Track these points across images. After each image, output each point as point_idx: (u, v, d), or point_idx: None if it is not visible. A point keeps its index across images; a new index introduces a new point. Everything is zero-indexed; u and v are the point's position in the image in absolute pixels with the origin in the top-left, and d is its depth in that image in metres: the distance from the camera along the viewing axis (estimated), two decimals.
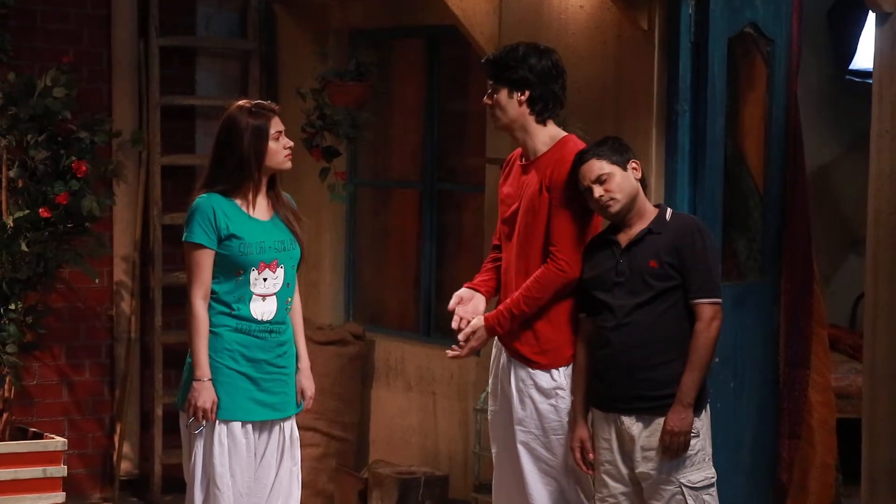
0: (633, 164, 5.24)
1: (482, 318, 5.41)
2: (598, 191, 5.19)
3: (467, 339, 5.41)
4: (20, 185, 7.22)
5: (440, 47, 7.97)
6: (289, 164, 5.28)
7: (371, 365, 8.10)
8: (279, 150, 5.24)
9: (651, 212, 5.26)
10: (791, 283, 6.60)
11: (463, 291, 5.56)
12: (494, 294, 5.58)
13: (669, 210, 5.29)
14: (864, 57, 8.30)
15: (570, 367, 5.36)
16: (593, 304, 5.27)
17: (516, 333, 5.40)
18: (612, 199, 5.19)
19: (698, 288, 5.14)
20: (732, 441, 6.33)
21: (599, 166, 5.19)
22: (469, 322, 5.44)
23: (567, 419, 5.36)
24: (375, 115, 7.93)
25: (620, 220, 5.25)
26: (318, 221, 8.06)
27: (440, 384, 7.70)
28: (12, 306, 7.18)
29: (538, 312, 5.33)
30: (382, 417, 8.05)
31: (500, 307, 5.40)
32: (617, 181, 5.19)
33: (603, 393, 5.25)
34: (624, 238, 5.24)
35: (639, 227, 5.23)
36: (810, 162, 6.94)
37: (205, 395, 5.17)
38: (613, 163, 5.19)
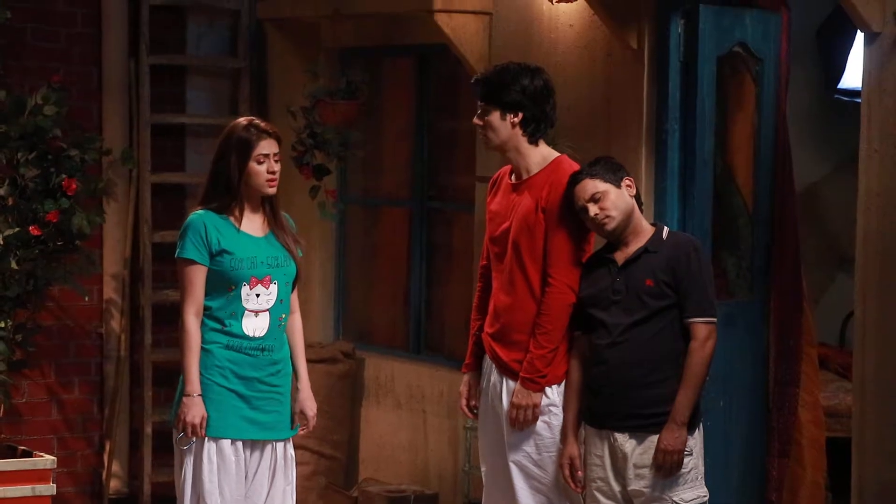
0: (627, 182, 5.27)
1: (515, 393, 5.35)
2: (593, 209, 5.21)
3: (524, 419, 5.34)
4: (10, 202, 7.21)
5: (430, 66, 7.98)
6: (270, 191, 5.23)
7: (361, 383, 8.10)
8: (260, 173, 5.21)
9: (647, 230, 5.28)
10: (780, 301, 6.61)
11: (469, 378, 5.60)
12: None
13: (666, 229, 5.31)
14: (852, 76, 8.32)
15: (563, 385, 5.36)
16: (589, 321, 5.28)
17: (510, 351, 5.41)
18: (607, 216, 5.21)
19: (693, 307, 5.15)
20: (722, 460, 6.33)
21: (593, 185, 5.21)
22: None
23: (560, 437, 5.36)
24: (366, 133, 7.94)
25: (617, 239, 5.27)
26: (308, 240, 8.00)
27: (430, 402, 7.69)
28: (2, 324, 7.17)
29: (531, 330, 5.33)
30: (372, 435, 8.04)
31: (525, 363, 5.34)
32: (611, 199, 5.21)
33: (597, 409, 5.26)
34: (620, 256, 5.26)
35: (635, 245, 5.25)
36: (799, 180, 6.96)
37: (194, 410, 5.17)
38: (607, 181, 5.22)
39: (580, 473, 5.31)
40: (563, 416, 5.34)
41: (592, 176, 5.23)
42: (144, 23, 8.05)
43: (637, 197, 5.30)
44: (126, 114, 8.14)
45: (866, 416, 6.05)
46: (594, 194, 5.21)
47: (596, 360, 5.25)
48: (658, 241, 5.24)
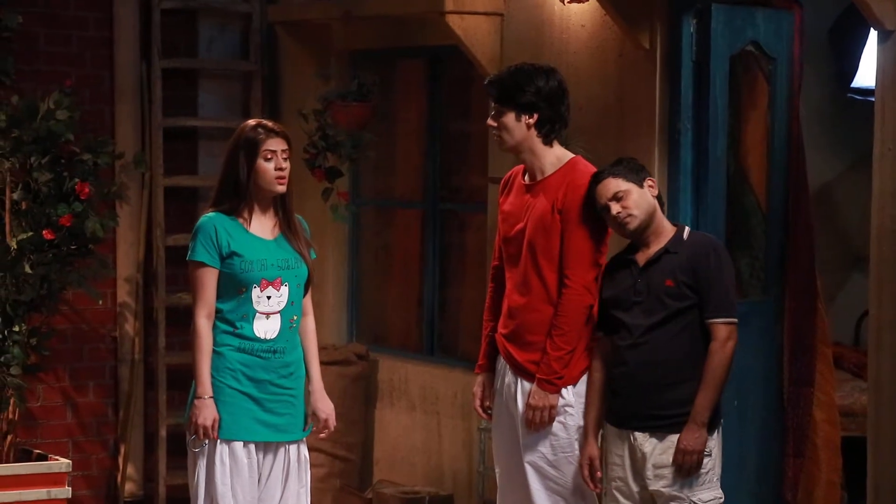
0: (650, 182, 5.26)
1: (532, 394, 5.34)
2: (615, 208, 5.20)
3: (540, 420, 5.33)
4: (24, 207, 7.22)
5: (442, 67, 7.98)
6: (279, 189, 5.22)
7: (375, 385, 8.09)
8: (268, 171, 5.21)
9: (669, 231, 5.27)
10: (794, 301, 6.60)
11: (482, 379, 5.59)
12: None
13: (687, 229, 5.30)
14: (865, 75, 8.30)
15: (578, 385, 5.35)
16: (611, 322, 5.27)
17: (524, 352, 5.40)
18: (629, 215, 5.20)
19: (714, 307, 5.14)
20: (737, 460, 6.32)
21: (616, 184, 5.21)
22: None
23: (575, 437, 5.36)
24: (378, 135, 7.93)
25: (638, 239, 5.26)
26: (320, 242, 8.04)
27: (444, 404, 7.69)
28: (16, 328, 7.18)
29: (548, 330, 5.32)
30: (386, 437, 8.04)
31: (542, 365, 5.33)
32: (634, 198, 5.20)
33: (618, 410, 5.26)
34: (642, 257, 5.25)
35: (656, 246, 5.24)
36: (813, 180, 6.94)
37: (205, 412, 5.18)
38: (629, 180, 5.21)
39: (599, 474, 5.31)
40: (585, 417, 5.34)
41: (615, 175, 5.22)
42: (156, 27, 8.06)
43: (659, 197, 5.29)
44: (138, 117, 8.15)
45: (881, 415, 6.03)
46: (616, 193, 5.20)
47: (617, 360, 5.25)
48: (679, 242, 5.23)
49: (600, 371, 5.31)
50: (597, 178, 5.26)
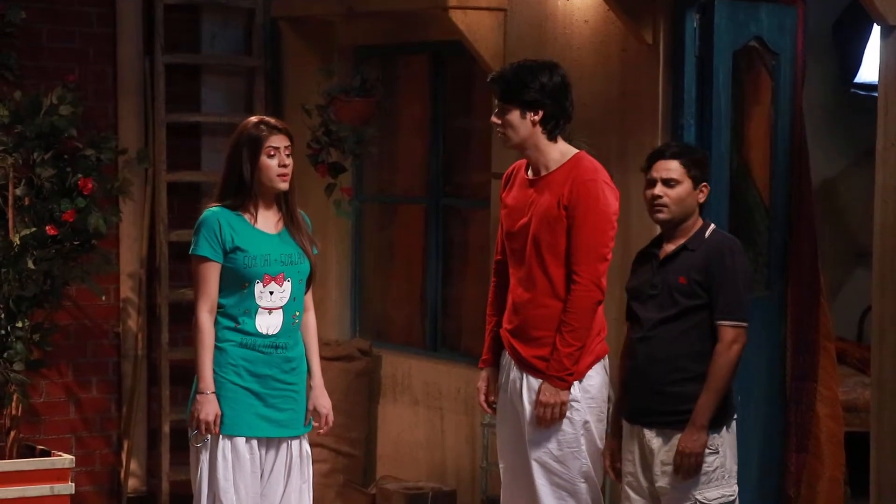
0: (703, 187, 5.21)
1: (543, 391, 5.33)
2: (659, 189, 5.16)
3: (551, 417, 5.32)
4: (27, 202, 7.22)
5: (445, 63, 7.98)
6: (282, 185, 5.23)
7: (378, 380, 8.10)
8: (271, 167, 5.21)
9: (695, 229, 5.23)
10: (797, 296, 6.60)
11: (487, 374, 5.58)
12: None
13: (711, 227, 5.24)
14: (869, 70, 8.30)
15: (584, 380, 5.35)
16: (632, 313, 5.28)
17: (529, 347, 5.40)
18: (665, 205, 5.16)
19: (722, 309, 5.10)
20: (740, 455, 6.30)
21: (675, 169, 5.15)
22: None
23: (581, 432, 5.36)
24: (381, 130, 7.94)
25: (665, 231, 5.24)
26: (323, 237, 8.06)
27: (447, 399, 7.69)
28: (19, 324, 7.18)
29: (555, 326, 5.32)
30: (390, 433, 8.04)
31: (552, 361, 5.31)
32: (679, 192, 5.15)
33: (629, 405, 5.26)
34: (663, 252, 5.23)
35: (678, 242, 5.21)
36: (816, 175, 6.94)
37: (207, 407, 5.18)
38: (689, 175, 5.16)
39: (619, 465, 5.31)
40: (612, 407, 5.36)
41: (680, 160, 5.16)
42: (159, 22, 8.06)
43: (703, 206, 5.23)
44: (141, 113, 8.15)
45: (884, 410, 6.04)
46: (670, 179, 5.16)
47: (629, 354, 5.25)
48: (699, 240, 5.19)
49: (626, 363, 5.31)
50: (663, 151, 5.20)
